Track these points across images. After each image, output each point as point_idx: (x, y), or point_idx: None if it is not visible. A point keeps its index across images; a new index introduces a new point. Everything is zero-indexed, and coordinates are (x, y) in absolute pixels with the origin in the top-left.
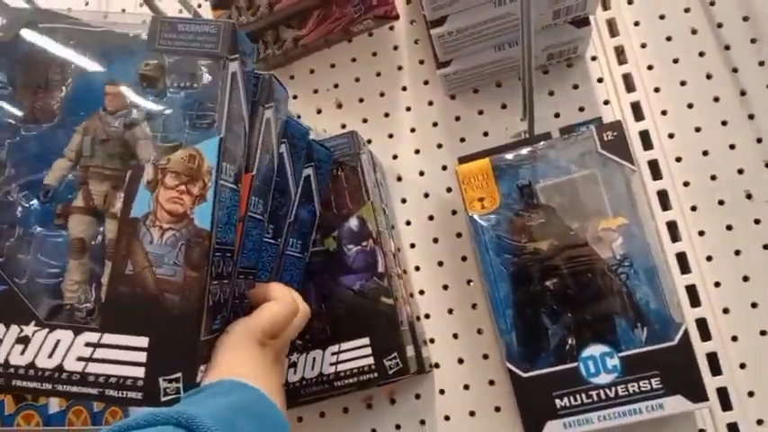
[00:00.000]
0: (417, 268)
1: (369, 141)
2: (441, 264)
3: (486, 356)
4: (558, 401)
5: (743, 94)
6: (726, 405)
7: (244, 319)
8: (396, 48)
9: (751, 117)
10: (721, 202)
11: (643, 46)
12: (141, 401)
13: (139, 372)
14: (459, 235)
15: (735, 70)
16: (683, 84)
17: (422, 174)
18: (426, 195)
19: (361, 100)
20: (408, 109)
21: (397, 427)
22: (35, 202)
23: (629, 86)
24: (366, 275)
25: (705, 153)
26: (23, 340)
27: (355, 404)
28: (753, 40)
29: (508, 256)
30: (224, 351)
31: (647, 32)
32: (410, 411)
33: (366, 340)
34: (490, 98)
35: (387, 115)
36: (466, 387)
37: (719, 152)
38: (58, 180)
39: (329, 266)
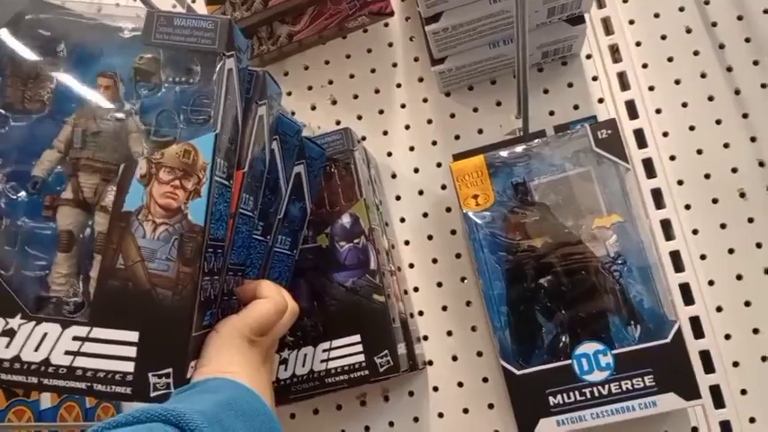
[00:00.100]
0: (411, 265)
1: (363, 138)
2: (435, 261)
3: (479, 354)
4: (551, 399)
5: (737, 93)
6: (719, 403)
7: (232, 317)
8: (390, 44)
9: (745, 116)
10: (715, 201)
11: (638, 44)
12: (130, 396)
13: (129, 366)
14: (453, 232)
15: (729, 69)
16: (677, 82)
17: (416, 171)
18: (421, 192)
19: (356, 96)
20: (403, 106)
21: (391, 424)
22: (23, 193)
23: (624, 85)
24: (358, 273)
25: (699, 152)
26: (9, 333)
27: (349, 401)
28: (747, 39)
29: (502, 254)
30: (213, 349)
31: (642, 31)
32: (404, 408)
33: (357, 337)
34: (485, 95)
35: (381, 112)
36: (460, 384)
37: (713, 151)
38: (47, 171)
39: (321, 263)
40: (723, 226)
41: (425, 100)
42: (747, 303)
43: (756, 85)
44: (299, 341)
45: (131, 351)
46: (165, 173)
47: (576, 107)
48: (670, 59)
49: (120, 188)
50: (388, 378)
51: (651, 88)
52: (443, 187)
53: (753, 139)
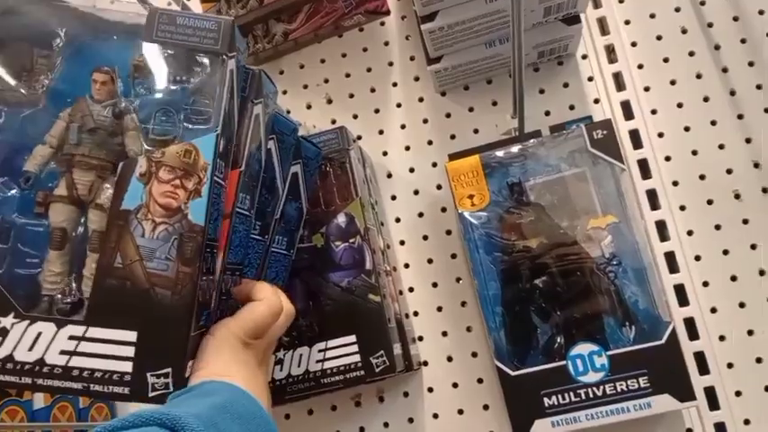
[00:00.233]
0: (407, 265)
1: (359, 137)
2: (430, 261)
3: (474, 354)
4: (546, 400)
5: (732, 94)
6: (713, 404)
7: (227, 320)
8: (386, 44)
9: (740, 117)
10: (710, 202)
11: (633, 45)
12: (128, 396)
13: (127, 366)
14: (448, 232)
15: (725, 70)
16: (672, 83)
17: (412, 170)
18: (416, 192)
19: (352, 96)
20: (399, 105)
21: (386, 425)
22: (15, 189)
23: (620, 85)
24: (354, 272)
25: (694, 153)
26: (1, 332)
27: (344, 402)
28: (743, 40)
29: (498, 254)
30: (208, 352)
31: (638, 31)
32: (398, 409)
33: (353, 338)
34: (481, 95)
35: (377, 111)
36: (454, 385)
37: (708, 152)
38: (39, 167)
39: (317, 263)
40: (718, 227)
41: (421, 99)
42: (742, 305)
43: (752, 86)
44: (294, 341)
45: (129, 351)
46: (166, 172)
47: (571, 107)
48: (665, 60)
49: (119, 186)
50: (383, 378)
51: (647, 89)
52: (439, 187)
53: (748, 141)
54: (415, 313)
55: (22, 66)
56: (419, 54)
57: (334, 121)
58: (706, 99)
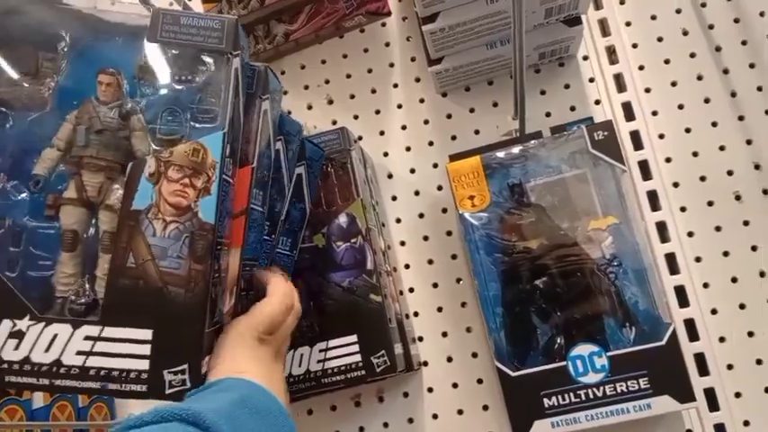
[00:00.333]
0: (407, 266)
1: (359, 138)
2: (431, 262)
3: (474, 355)
4: (546, 401)
5: (733, 95)
6: (713, 406)
7: (241, 318)
8: (387, 44)
9: (741, 119)
10: (710, 204)
11: (634, 46)
12: (145, 394)
13: (143, 364)
14: (449, 233)
15: (725, 72)
16: (673, 84)
17: (412, 171)
18: (417, 193)
19: (353, 96)
20: (400, 106)
21: (385, 425)
22: (25, 192)
23: (621, 86)
24: (355, 272)
25: (695, 154)
26: (17, 335)
27: (343, 402)
28: (743, 42)
29: (498, 255)
30: (225, 350)
31: (639, 33)
32: (398, 409)
33: (354, 337)
34: (482, 96)
35: (378, 112)
36: (454, 385)
37: (709, 153)
38: (48, 170)
39: (318, 263)
40: (718, 228)
41: (422, 100)
42: (742, 306)
43: (753, 87)
44: (295, 341)
45: (145, 349)
46: (175, 171)
47: (572, 108)
48: (667, 62)
49: (128, 187)
50: (384, 378)
51: (647, 90)
52: (440, 188)
53: (749, 142)
54: (416, 314)
55: (27, 69)
56: (420, 55)
57: (334, 122)
58: (707, 100)
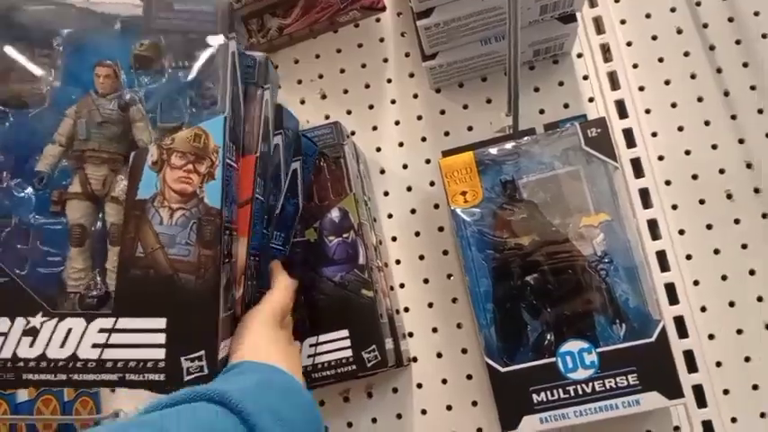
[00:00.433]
0: (398, 261)
1: (352, 133)
2: (422, 257)
3: (464, 351)
4: (535, 396)
5: (726, 94)
6: (701, 402)
7: (256, 308)
8: (382, 40)
9: (733, 117)
10: (702, 202)
11: (629, 44)
12: (164, 383)
13: (160, 353)
14: (440, 229)
15: (719, 71)
16: (667, 83)
17: (405, 167)
18: (409, 189)
19: (346, 91)
20: (393, 102)
21: (374, 420)
22: (29, 189)
23: (614, 84)
24: (347, 267)
25: (687, 152)
26: (31, 332)
27: (332, 397)
28: (737, 42)
29: (490, 251)
30: (247, 334)
31: (633, 31)
32: (387, 405)
33: (345, 332)
34: (475, 93)
35: (371, 107)
36: (444, 381)
37: (701, 152)
38: (51, 166)
39: (310, 257)
40: (709, 227)
41: (416, 96)
42: (732, 304)
43: (746, 86)
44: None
45: (160, 338)
46: (177, 158)
47: (566, 106)
48: (660, 60)
49: (132, 177)
50: (375, 373)
51: (641, 88)
52: (432, 184)
53: (741, 141)
54: (406, 309)
55: (24, 66)
56: (414, 50)
57: (327, 117)
58: (700, 99)
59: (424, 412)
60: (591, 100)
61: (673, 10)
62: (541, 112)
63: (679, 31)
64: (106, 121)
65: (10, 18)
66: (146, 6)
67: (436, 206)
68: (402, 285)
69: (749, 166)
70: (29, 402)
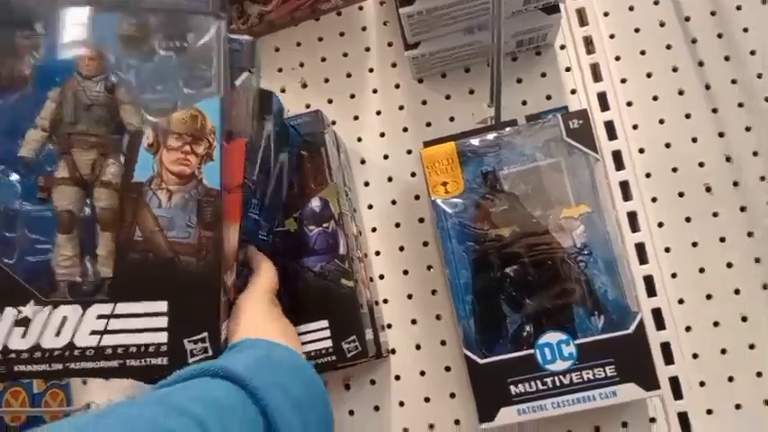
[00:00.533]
0: (378, 253)
1: (333, 123)
2: (402, 249)
3: (443, 342)
4: (512, 388)
5: (707, 87)
6: (677, 394)
7: (249, 290)
8: (364, 29)
9: (714, 111)
10: (681, 194)
11: (611, 36)
12: (167, 367)
13: (162, 337)
14: (421, 220)
15: (700, 64)
16: (649, 76)
17: (386, 157)
18: (390, 179)
19: (327, 80)
20: (375, 91)
21: (351, 412)
22: (15, 176)
23: (597, 76)
24: (327, 257)
25: (668, 145)
26: (23, 322)
27: None
28: (719, 35)
29: (470, 243)
30: (243, 314)
31: (616, 23)
32: (365, 397)
33: (325, 323)
34: (458, 83)
35: (353, 97)
36: (422, 373)
37: (682, 145)
38: (35, 151)
39: (290, 247)
40: (688, 219)
41: (398, 86)
42: (709, 296)
43: (727, 80)
44: None
45: (162, 321)
46: (174, 139)
47: (548, 97)
48: (643, 53)
49: (128, 159)
50: (354, 364)
51: (623, 81)
52: (413, 174)
53: (721, 135)
54: (385, 301)
55: (5, 49)
56: (397, 40)
57: (308, 106)
58: (681, 92)
59: (401, 404)
60: (573, 92)
61: (656, 3)
62: (524, 103)
63: (662, 24)
64: (94, 104)
65: None
66: None
67: (417, 197)
68: (382, 276)
69: (729, 159)
70: None
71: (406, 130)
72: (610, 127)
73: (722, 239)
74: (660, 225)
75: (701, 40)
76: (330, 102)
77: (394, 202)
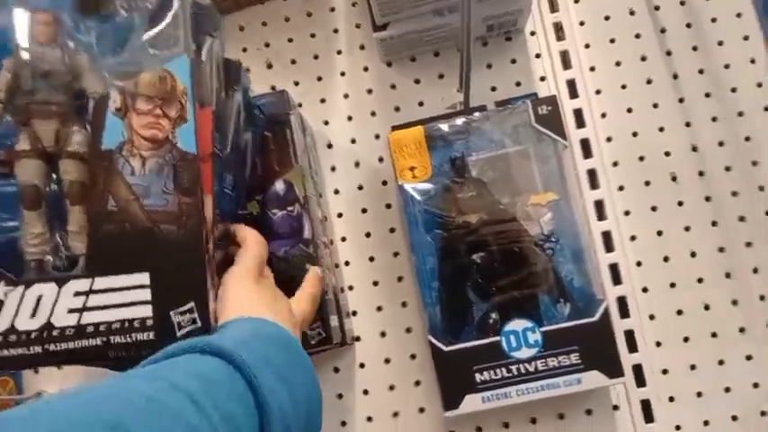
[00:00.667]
0: (344, 239)
1: (300, 105)
2: (368, 235)
3: (409, 330)
4: (478, 375)
5: (675, 77)
6: (640, 382)
7: (233, 268)
8: (332, 9)
9: (681, 101)
10: (647, 183)
11: (581, 24)
12: (154, 342)
13: (146, 311)
14: (388, 206)
15: (669, 53)
16: (617, 64)
17: (353, 141)
18: (357, 164)
19: (294, 62)
20: (342, 74)
21: None
22: None
23: (566, 63)
24: (291, 241)
25: (635, 134)
26: None
27: None
28: (688, 25)
29: (436, 229)
30: (227, 295)
31: (586, 10)
32: (327, 385)
33: None
34: (427, 67)
35: (320, 79)
36: (387, 361)
37: (649, 134)
38: None
39: None
40: (654, 208)
41: (366, 69)
42: (672, 285)
43: (694, 70)
44: None
45: (145, 294)
46: (143, 102)
47: (518, 84)
48: (612, 41)
49: (94, 126)
50: (319, 351)
51: (592, 68)
52: (380, 160)
53: (687, 124)
54: (350, 287)
55: None
56: (365, 22)
57: (273, 88)
58: (649, 81)
59: (366, 392)
60: (542, 79)
61: None
62: (493, 89)
63: (631, 13)
64: (52, 71)
65: None
66: None
67: (384, 183)
68: (347, 263)
69: (695, 149)
70: None
71: (374, 114)
72: (578, 115)
73: (687, 228)
74: (626, 213)
75: (670, 29)
76: (296, 84)
77: (361, 188)
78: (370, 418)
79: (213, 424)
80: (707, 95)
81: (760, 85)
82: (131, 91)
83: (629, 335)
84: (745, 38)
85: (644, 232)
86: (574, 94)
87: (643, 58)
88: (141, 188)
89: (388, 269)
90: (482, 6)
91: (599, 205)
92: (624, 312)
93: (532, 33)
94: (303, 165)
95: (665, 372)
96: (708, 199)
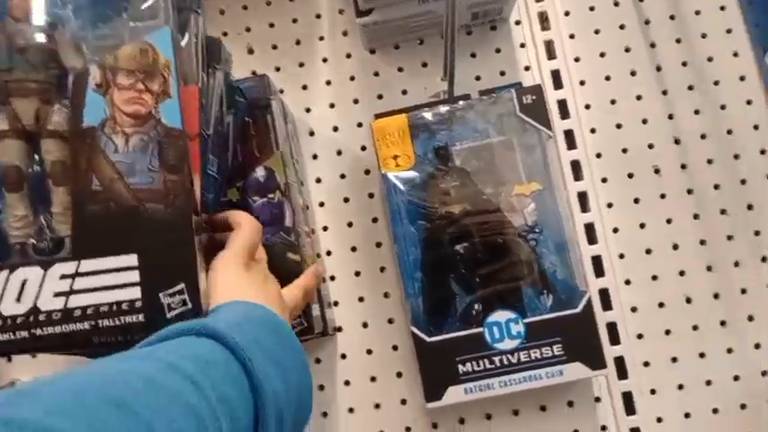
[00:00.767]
0: (326, 228)
1: (281, 91)
2: (350, 224)
3: (391, 321)
4: (460, 367)
5: (659, 69)
6: (622, 374)
7: (223, 252)
8: None
9: (664, 93)
10: (630, 176)
11: (566, 14)
12: (144, 324)
13: (135, 292)
14: (371, 195)
15: (653, 45)
16: (602, 55)
17: (336, 129)
18: (339, 153)
19: (275, 47)
20: (325, 60)
21: None
22: None
23: (551, 53)
24: (272, 229)
25: (618, 126)
26: None
27: None
28: (672, 17)
29: (420, 219)
30: (215, 284)
31: (572, 1)
32: None
33: None
34: (411, 55)
35: (302, 65)
36: (369, 352)
37: (632, 126)
38: None
39: None
40: (637, 201)
41: (349, 56)
42: (654, 277)
43: (678, 62)
44: None
45: (133, 276)
46: (124, 77)
47: (502, 73)
48: (597, 32)
49: (74, 103)
50: (300, 341)
51: (577, 59)
52: (363, 148)
53: (670, 117)
54: (332, 277)
55: None
56: (349, 8)
57: (254, 73)
58: (633, 73)
59: (347, 383)
60: (527, 68)
61: None
62: (477, 78)
63: (616, 4)
64: (29, 47)
65: None
66: None
67: (367, 172)
68: (329, 253)
69: (677, 141)
70: None
71: (356, 101)
72: (563, 106)
73: (669, 221)
74: (609, 206)
75: (654, 21)
76: (278, 69)
77: (343, 177)
78: (351, 410)
79: (211, 405)
80: (690, 88)
81: (743, 78)
82: (111, 65)
83: (612, 327)
84: (728, 31)
85: (626, 224)
86: (558, 84)
87: (627, 50)
88: (125, 166)
89: (370, 259)
90: None
91: (582, 197)
92: (606, 305)
93: (517, 23)
94: (284, 151)
95: (646, 364)
96: (690, 192)
